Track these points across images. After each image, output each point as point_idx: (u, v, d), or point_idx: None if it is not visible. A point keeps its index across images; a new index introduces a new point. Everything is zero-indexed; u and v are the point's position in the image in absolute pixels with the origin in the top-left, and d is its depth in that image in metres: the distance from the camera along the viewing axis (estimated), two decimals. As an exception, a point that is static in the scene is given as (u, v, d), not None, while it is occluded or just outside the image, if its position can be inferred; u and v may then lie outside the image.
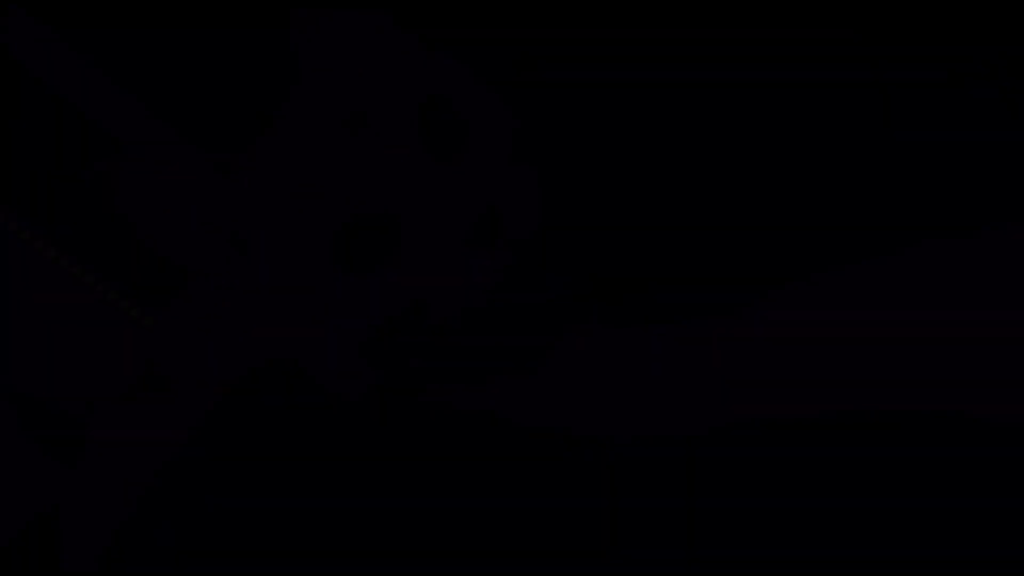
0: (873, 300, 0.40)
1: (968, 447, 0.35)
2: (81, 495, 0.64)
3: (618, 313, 0.54)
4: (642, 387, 0.46)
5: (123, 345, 0.40)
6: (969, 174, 0.47)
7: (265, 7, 0.49)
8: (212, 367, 0.42)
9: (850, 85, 0.55)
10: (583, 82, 0.82)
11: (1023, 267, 0.36)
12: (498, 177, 0.48)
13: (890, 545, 0.35)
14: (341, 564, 0.42)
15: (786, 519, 0.36)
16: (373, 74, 0.51)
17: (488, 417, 0.51)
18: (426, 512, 0.44)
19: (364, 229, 0.47)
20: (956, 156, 0.48)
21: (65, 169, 0.42)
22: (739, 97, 0.61)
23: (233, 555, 0.41)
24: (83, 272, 0.45)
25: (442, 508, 0.44)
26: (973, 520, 0.33)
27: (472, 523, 0.43)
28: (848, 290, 0.41)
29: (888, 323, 0.38)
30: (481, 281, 0.46)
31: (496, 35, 0.80)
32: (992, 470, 0.34)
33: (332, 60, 0.52)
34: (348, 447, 0.48)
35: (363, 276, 0.46)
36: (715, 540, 0.37)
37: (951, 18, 0.49)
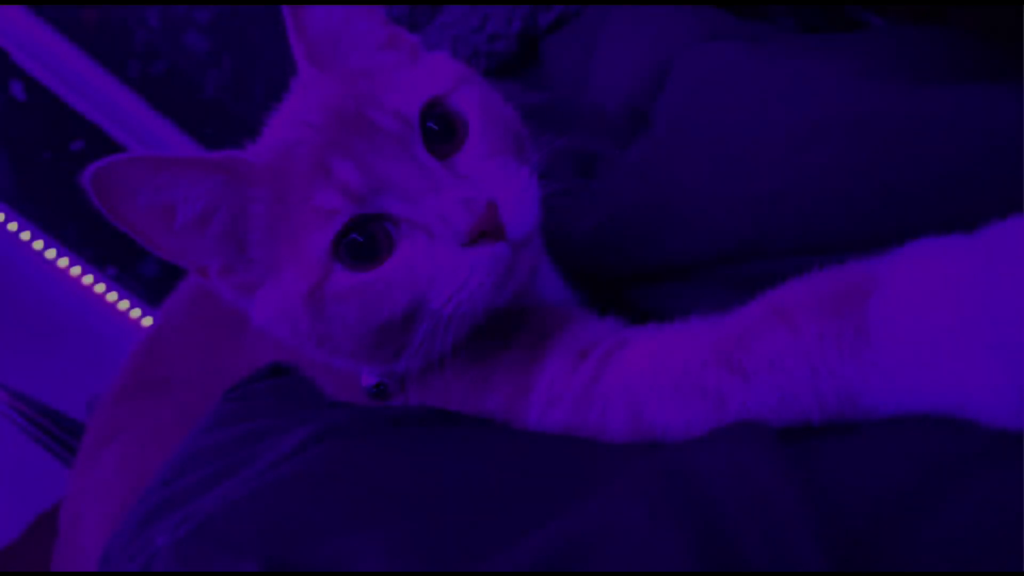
0: None
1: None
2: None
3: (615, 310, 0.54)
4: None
5: None
6: None
7: None
8: None
9: None
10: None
11: None
12: (497, 175, 0.48)
13: None
14: None
15: None
16: (372, 69, 0.51)
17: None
18: None
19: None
20: None
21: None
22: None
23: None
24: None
25: None
26: None
27: None
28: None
29: None
30: (481, 279, 0.46)
31: None
32: None
33: (330, 55, 0.52)
34: None
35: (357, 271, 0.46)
36: None
37: None
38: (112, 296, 1.82)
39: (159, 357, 0.69)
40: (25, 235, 1.78)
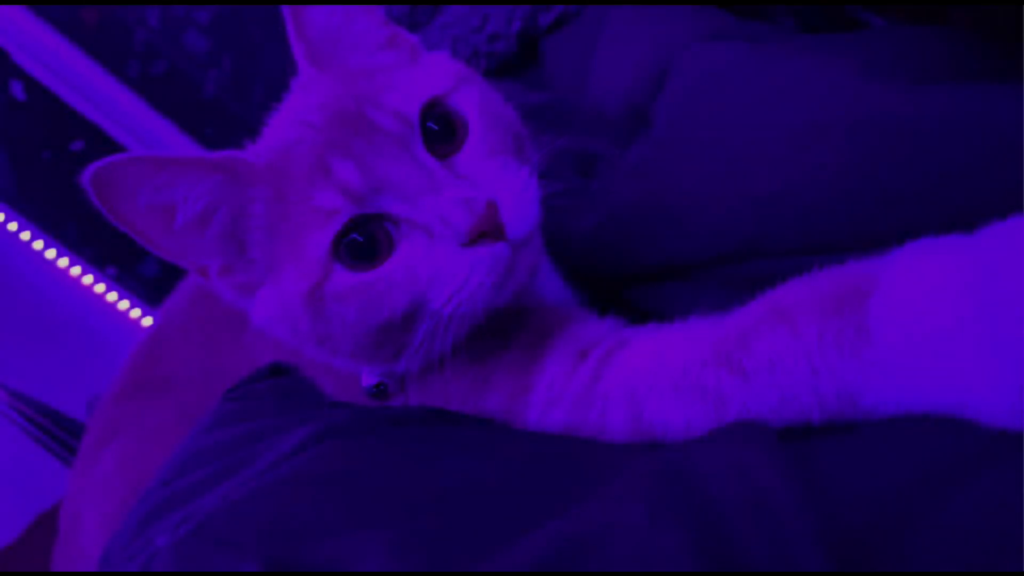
0: None
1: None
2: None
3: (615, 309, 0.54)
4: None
5: None
6: None
7: None
8: None
9: None
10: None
11: None
12: (497, 175, 0.48)
13: None
14: None
15: None
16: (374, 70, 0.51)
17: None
18: None
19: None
20: None
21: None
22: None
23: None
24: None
25: None
26: None
27: None
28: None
29: None
30: (481, 279, 0.46)
31: None
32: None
33: (331, 55, 0.52)
34: None
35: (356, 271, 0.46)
36: None
37: None
38: (112, 296, 1.82)
39: (159, 357, 0.69)
40: (25, 235, 1.78)
